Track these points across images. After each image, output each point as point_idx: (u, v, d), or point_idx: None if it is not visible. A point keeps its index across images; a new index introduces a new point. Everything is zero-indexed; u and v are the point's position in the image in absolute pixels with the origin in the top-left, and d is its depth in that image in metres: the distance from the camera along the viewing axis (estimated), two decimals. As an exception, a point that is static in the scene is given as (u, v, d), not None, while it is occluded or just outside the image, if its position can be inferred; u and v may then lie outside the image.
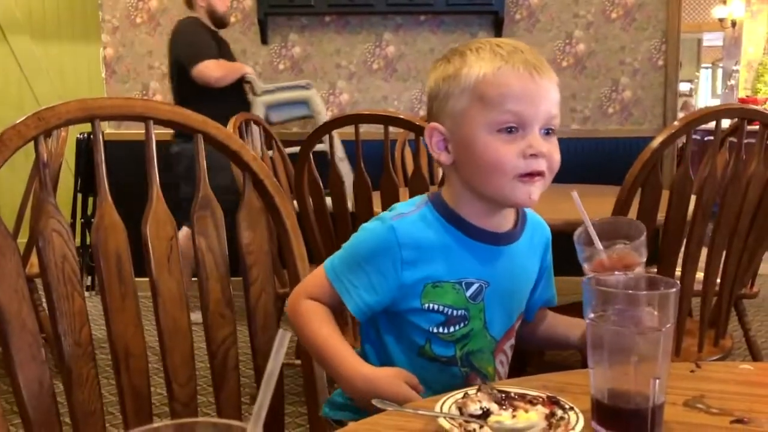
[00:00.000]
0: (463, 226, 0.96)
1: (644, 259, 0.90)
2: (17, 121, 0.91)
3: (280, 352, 0.39)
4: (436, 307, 0.95)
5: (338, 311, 1.00)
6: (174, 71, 3.52)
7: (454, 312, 0.95)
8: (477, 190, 0.94)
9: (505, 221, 0.99)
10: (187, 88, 3.41)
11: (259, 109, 3.60)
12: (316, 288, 0.99)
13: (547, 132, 0.92)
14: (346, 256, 0.98)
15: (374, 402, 0.76)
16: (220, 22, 3.60)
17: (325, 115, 3.69)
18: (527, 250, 1.03)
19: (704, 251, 1.70)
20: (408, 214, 0.96)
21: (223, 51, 3.58)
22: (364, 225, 0.98)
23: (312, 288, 1.00)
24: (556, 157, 0.93)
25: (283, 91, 3.74)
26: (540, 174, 0.91)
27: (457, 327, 0.96)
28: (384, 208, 1.73)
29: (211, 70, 3.35)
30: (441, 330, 0.96)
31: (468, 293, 0.95)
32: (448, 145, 0.96)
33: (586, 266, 0.90)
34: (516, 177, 0.90)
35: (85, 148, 4.21)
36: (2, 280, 0.85)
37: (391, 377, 0.90)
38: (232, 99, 3.43)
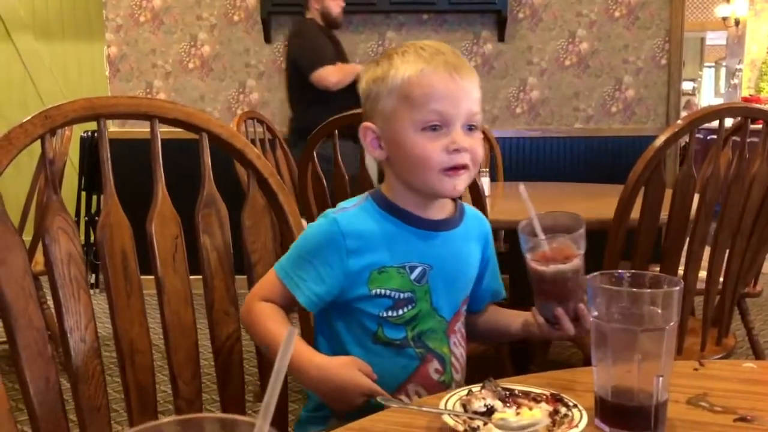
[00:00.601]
0: (401, 215, 1.02)
1: (582, 251, 0.93)
2: (24, 120, 0.91)
3: (288, 349, 0.40)
4: (382, 291, 0.99)
5: (291, 311, 1.04)
6: (291, 71, 3.56)
7: (401, 295, 0.99)
8: (408, 183, 1.01)
9: (441, 210, 1.05)
10: (303, 89, 3.46)
11: None
12: (267, 289, 1.03)
13: (470, 128, 0.98)
14: (293, 254, 1.03)
15: (380, 400, 0.77)
16: (334, 23, 3.63)
17: None
18: (466, 237, 1.08)
19: (707, 250, 1.70)
20: (350, 209, 1.03)
21: (338, 51, 3.64)
22: (310, 224, 1.04)
23: (264, 290, 1.04)
24: (479, 151, 0.99)
25: None
26: (464, 167, 0.97)
27: (405, 309, 1.00)
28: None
29: (329, 76, 3.39)
30: (390, 314, 1.00)
31: (412, 276, 1.00)
32: (381, 142, 1.02)
33: (528, 256, 0.95)
34: (441, 171, 0.96)
35: (89, 147, 4.21)
36: (9, 278, 0.86)
37: (343, 365, 0.94)
38: (345, 99, 3.46)
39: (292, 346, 0.40)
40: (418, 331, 1.01)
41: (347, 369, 0.93)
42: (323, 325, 1.08)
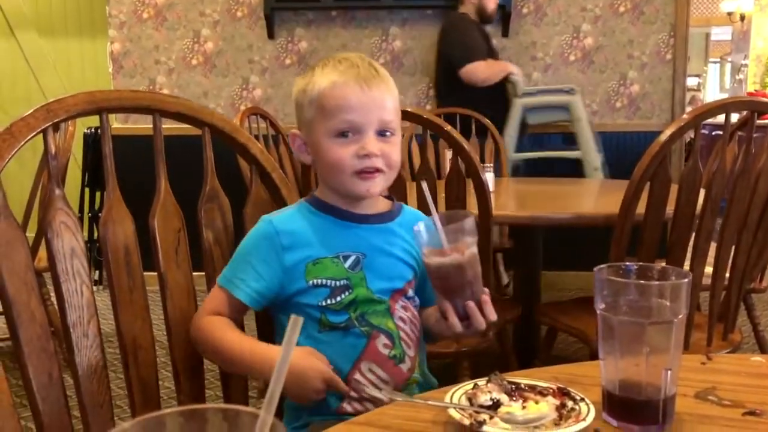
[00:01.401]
0: (332, 211, 1.09)
1: (474, 242, 0.98)
2: (26, 114, 0.91)
3: (292, 339, 0.39)
4: (319, 281, 1.05)
5: (240, 320, 1.09)
6: (442, 65, 3.59)
7: (337, 283, 1.05)
8: (329, 185, 1.10)
9: (371, 207, 1.11)
10: (451, 83, 3.49)
11: (517, 110, 3.65)
12: (213, 302, 1.07)
13: (384, 134, 1.05)
14: (233, 261, 1.08)
15: (386, 394, 0.76)
16: (489, 18, 3.67)
17: (586, 121, 3.69)
18: (401, 231, 1.13)
19: (713, 245, 1.69)
20: (284, 211, 1.11)
21: (490, 47, 3.67)
22: (254, 228, 1.10)
23: (210, 305, 1.07)
24: (393, 155, 1.06)
25: (545, 94, 3.77)
26: (377, 170, 1.05)
27: (342, 296, 1.05)
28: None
29: (479, 72, 3.42)
30: (329, 302, 1.05)
31: (347, 264, 1.06)
32: (307, 148, 1.11)
33: (425, 251, 0.98)
34: (353, 173, 1.04)
35: (92, 143, 4.22)
36: (12, 273, 0.86)
37: (301, 355, 0.99)
38: (494, 97, 3.51)
39: (296, 337, 0.40)
40: (360, 312, 1.06)
41: (305, 357, 0.99)
42: (273, 325, 1.14)
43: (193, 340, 1.06)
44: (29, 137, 0.90)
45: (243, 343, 1.04)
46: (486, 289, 1.02)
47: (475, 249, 0.98)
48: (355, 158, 1.03)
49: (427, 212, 1.05)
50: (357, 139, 1.04)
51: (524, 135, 3.74)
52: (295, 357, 0.96)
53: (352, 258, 1.06)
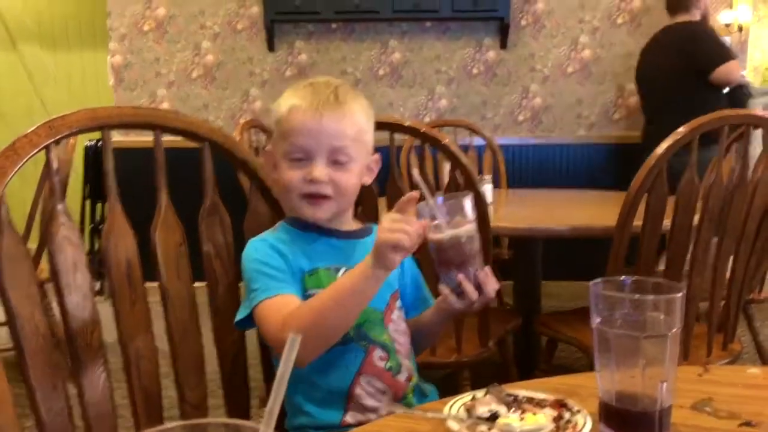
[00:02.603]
0: (315, 228, 1.12)
1: (473, 218, 1.02)
2: (29, 131, 0.92)
3: (290, 356, 0.40)
4: (316, 292, 1.05)
5: None
6: (682, 77, 3.52)
7: None
8: (283, 204, 1.15)
9: (345, 224, 1.15)
10: (696, 88, 3.47)
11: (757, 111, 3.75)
12: (274, 310, 1.02)
13: (338, 161, 1.07)
14: (253, 281, 1.05)
15: (383, 406, 0.77)
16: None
17: None
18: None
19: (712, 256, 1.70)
20: (269, 234, 1.13)
21: None
22: (243, 255, 1.10)
23: (276, 314, 1.02)
24: (344, 182, 1.08)
25: None
26: (323, 197, 1.07)
27: None
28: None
29: (735, 70, 3.45)
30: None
31: (338, 276, 1.08)
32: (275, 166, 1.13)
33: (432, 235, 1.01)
34: (300, 196, 1.08)
35: (93, 156, 4.23)
36: (16, 287, 0.87)
37: (381, 230, 0.97)
38: (733, 100, 3.55)
39: (294, 353, 0.41)
40: (358, 323, 1.06)
41: (385, 228, 0.96)
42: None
43: (294, 335, 1.00)
44: (32, 154, 0.91)
45: (335, 285, 1.01)
46: (487, 267, 1.04)
47: (471, 227, 1.00)
48: (302, 182, 1.06)
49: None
50: (306, 164, 1.07)
51: None
52: (378, 240, 0.96)
53: (342, 270, 1.08)
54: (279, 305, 1.03)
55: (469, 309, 1.05)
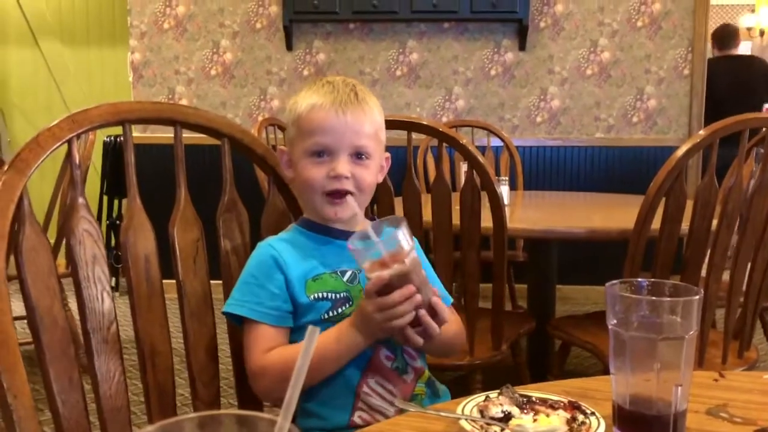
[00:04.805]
0: (324, 231, 1.12)
1: (412, 247, 0.98)
2: (51, 124, 0.93)
3: (309, 349, 0.40)
4: (320, 295, 1.07)
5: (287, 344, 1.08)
6: None
7: (337, 296, 1.07)
8: (305, 205, 1.16)
9: (358, 224, 1.12)
10: None
11: None
12: (254, 342, 1.05)
13: (359, 156, 1.08)
14: (241, 289, 1.08)
15: (396, 403, 0.77)
16: None
17: None
18: None
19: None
20: (281, 236, 1.14)
21: None
22: (252, 254, 1.12)
23: (254, 347, 1.05)
24: (365, 178, 1.09)
25: None
26: (346, 192, 1.08)
27: (343, 308, 1.07)
28: (406, 214, 1.74)
29: None
30: (331, 314, 1.06)
31: (345, 279, 1.09)
32: (290, 165, 1.14)
33: (366, 267, 0.98)
34: (323, 194, 1.08)
35: (111, 151, 4.27)
36: (36, 277, 0.88)
37: (362, 309, 0.99)
38: None
39: (313, 345, 0.41)
40: None
41: (366, 309, 0.99)
42: None
43: (268, 384, 1.04)
44: (55, 147, 0.92)
45: (318, 346, 1.01)
46: (435, 289, 1.03)
47: (414, 254, 0.99)
48: (326, 179, 1.07)
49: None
50: (330, 161, 1.07)
51: None
52: (361, 315, 1.00)
53: (349, 273, 1.09)
54: (263, 338, 1.05)
55: (423, 346, 1.04)
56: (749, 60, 5.04)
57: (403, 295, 0.95)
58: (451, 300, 1.22)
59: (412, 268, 0.96)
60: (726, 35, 4.88)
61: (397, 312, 0.96)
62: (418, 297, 0.96)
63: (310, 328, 0.42)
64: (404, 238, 0.97)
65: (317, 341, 0.88)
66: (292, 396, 0.39)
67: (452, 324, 1.12)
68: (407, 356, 1.10)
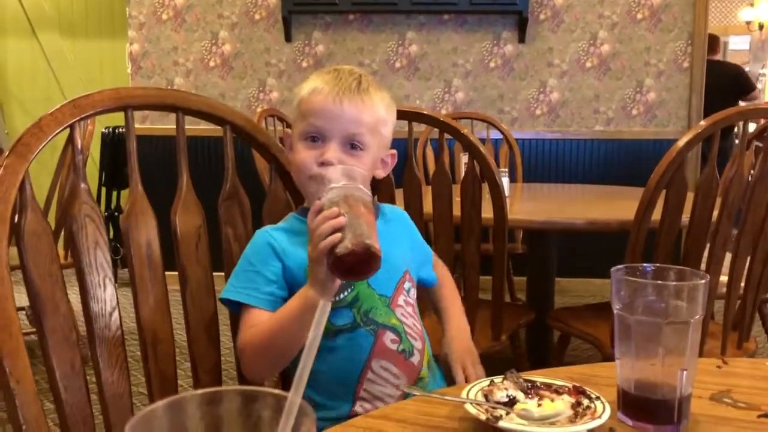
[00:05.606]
0: None
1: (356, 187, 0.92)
2: (53, 108, 0.93)
3: (321, 322, 0.40)
4: None
5: None
6: None
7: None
8: (298, 187, 1.16)
9: None
10: None
11: None
12: (244, 324, 1.05)
13: (353, 146, 1.09)
14: (239, 276, 1.08)
15: (403, 388, 0.77)
16: None
17: None
18: (387, 224, 1.18)
19: (728, 254, 1.69)
20: (279, 224, 1.14)
21: None
22: (250, 241, 1.12)
23: (243, 328, 1.05)
24: (354, 168, 1.05)
25: None
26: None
27: (345, 293, 1.07)
28: (406, 206, 1.74)
29: None
30: (333, 299, 1.04)
31: None
32: (291, 148, 1.15)
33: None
34: (309, 177, 1.06)
35: (110, 143, 4.26)
36: (38, 264, 0.87)
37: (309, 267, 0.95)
38: None
39: (324, 319, 0.41)
40: (364, 310, 1.07)
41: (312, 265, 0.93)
42: None
43: (249, 359, 1.04)
44: (57, 131, 0.92)
45: (281, 310, 1.02)
46: (375, 235, 0.94)
47: (357, 193, 0.92)
48: (313, 163, 1.07)
49: None
50: (320, 146, 1.08)
51: None
52: (310, 275, 0.95)
53: None
54: (254, 321, 1.04)
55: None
56: (720, 65, 5.56)
57: (325, 216, 0.89)
58: (433, 253, 1.29)
59: (343, 199, 0.90)
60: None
61: (319, 231, 0.88)
62: (342, 219, 0.87)
63: (321, 303, 0.42)
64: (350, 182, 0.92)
65: (282, 309, 0.84)
66: (304, 369, 0.39)
67: (445, 279, 1.27)
68: (411, 339, 1.10)
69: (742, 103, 5.62)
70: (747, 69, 9.28)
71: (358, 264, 0.87)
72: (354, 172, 0.95)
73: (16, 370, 0.80)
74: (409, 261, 1.18)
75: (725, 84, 5.34)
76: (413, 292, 1.16)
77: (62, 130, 0.92)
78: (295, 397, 0.36)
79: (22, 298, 0.87)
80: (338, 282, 0.92)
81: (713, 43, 5.43)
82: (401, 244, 1.18)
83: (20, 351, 0.80)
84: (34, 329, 0.89)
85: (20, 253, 0.87)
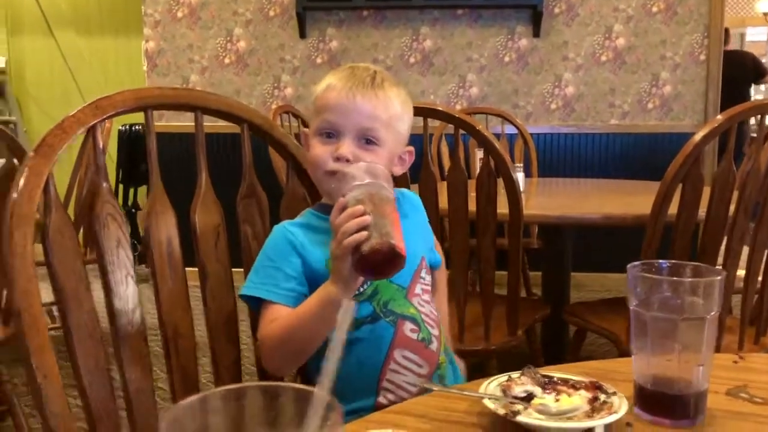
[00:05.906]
0: None
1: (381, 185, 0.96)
2: (75, 110, 0.94)
3: (345, 321, 0.41)
4: None
5: None
6: None
7: None
8: (314, 181, 1.17)
9: None
10: None
11: None
12: (264, 319, 1.06)
13: (368, 141, 1.09)
14: (258, 272, 1.09)
15: (419, 383, 0.78)
16: None
17: None
18: (405, 221, 1.11)
19: (745, 248, 1.68)
20: (296, 220, 1.15)
21: None
22: (269, 237, 1.13)
23: (263, 323, 1.06)
24: (377, 165, 1.06)
25: None
26: None
27: (364, 286, 1.07)
28: (423, 201, 1.75)
29: None
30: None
31: None
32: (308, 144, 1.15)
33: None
34: (325, 173, 1.09)
35: (126, 140, 4.30)
36: (62, 261, 0.89)
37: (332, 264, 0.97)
38: None
39: (349, 318, 0.42)
40: (383, 301, 1.08)
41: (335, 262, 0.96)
42: None
43: (268, 353, 1.05)
44: (79, 132, 0.93)
45: (300, 309, 1.03)
46: (399, 235, 0.96)
47: (383, 192, 0.96)
48: (329, 158, 1.08)
49: None
50: (335, 141, 1.09)
51: None
52: (333, 273, 0.97)
53: None
54: (274, 315, 1.05)
55: None
56: (732, 54, 5.66)
57: (350, 213, 0.91)
58: (441, 259, 1.28)
59: (368, 197, 0.93)
60: None
61: (344, 228, 0.91)
62: (367, 218, 0.91)
63: (345, 302, 0.43)
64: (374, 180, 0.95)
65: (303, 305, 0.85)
66: (330, 368, 0.40)
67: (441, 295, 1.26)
68: (429, 327, 1.11)
69: (753, 93, 5.71)
70: (764, 60, 9.25)
71: (383, 263, 0.88)
72: (377, 169, 0.97)
73: (43, 365, 0.82)
74: (423, 248, 1.19)
75: (738, 73, 5.55)
76: (428, 279, 1.17)
77: (84, 130, 0.94)
78: (322, 390, 0.37)
79: (45, 295, 0.89)
80: (360, 279, 0.94)
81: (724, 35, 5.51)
82: (417, 233, 1.19)
83: (46, 347, 0.82)
84: (58, 325, 0.91)
85: (45, 251, 0.88)
